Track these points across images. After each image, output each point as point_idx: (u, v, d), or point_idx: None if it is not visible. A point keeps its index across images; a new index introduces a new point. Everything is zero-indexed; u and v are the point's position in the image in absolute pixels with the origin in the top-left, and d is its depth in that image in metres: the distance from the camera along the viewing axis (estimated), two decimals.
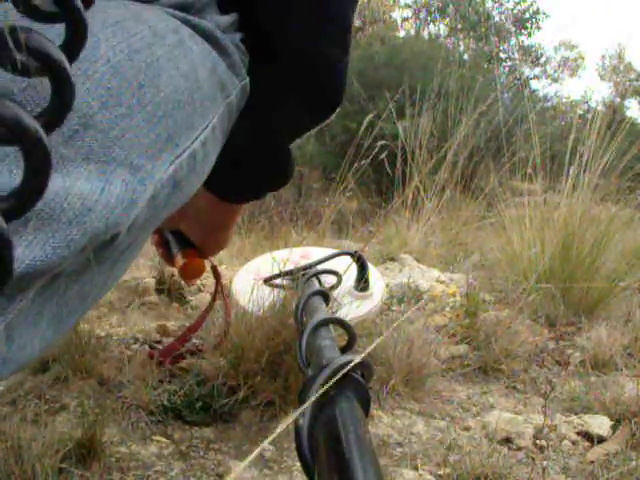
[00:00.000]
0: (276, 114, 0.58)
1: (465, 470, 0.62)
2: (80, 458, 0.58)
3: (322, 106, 0.61)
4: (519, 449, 0.72)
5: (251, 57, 0.53)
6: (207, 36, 0.46)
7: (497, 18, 10.09)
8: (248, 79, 0.53)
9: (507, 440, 0.74)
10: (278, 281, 0.87)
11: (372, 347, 0.31)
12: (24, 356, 0.31)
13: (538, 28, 10.29)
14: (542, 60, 11.03)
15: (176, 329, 0.96)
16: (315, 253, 0.96)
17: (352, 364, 0.33)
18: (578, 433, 0.77)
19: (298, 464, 0.62)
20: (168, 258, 0.78)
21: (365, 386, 0.34)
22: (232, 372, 0.70)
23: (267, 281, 0.88)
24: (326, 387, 0.31)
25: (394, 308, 1.18)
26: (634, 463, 0.65)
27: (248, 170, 0.62)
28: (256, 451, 0.15)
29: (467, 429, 0.77)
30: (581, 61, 11.99)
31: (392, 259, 1.71)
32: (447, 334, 1.03)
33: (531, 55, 10.50)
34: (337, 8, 0.55)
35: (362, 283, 0.89)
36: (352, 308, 0.83)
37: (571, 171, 1.61)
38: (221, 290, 0.85)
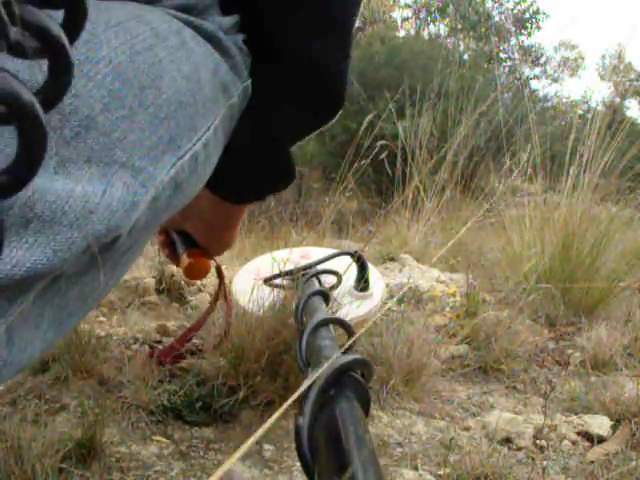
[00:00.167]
0: (277, 115, 0.58)
1: (465, 470, 0.62)
2: (80, 458, 0.58)
3: (323, 108, 0.61)
4: (519, 449, 0.72)
5: (253, 58, 0.53)
6: (209, 37, 0.46)
7: (497, 18, 10.09)
8: (250, 80, 0.53)
9: (507, 440, 0.74)
10: (278, 281, 0.87)
11: (359, 335, 0.31)
12: (25, 358, 0.31)
13: (538, 28, 10.29)
14: (542, 60, 11.04)
15: (176, 329, 0.96)
16: (315, 253, 0.96)
17: (351, 364, 0.33)
18: (578, 433, 0.77)
19: (298, 464, 0.62)
20: (174, 258, 0.79)
21: (365, 386, 0.34)
22: (232, 372, 0.70)
23: (267, 281, 0.88)
24: (320, 383, 0.31)
25: (394, 308, 1.17)
26: (634, 463, 0.65)
27: (249, 171, 0.62)
28: (250, 441, 0.15)
29: (467, 429, 0.77)
30: (581, 61, 12.00)
31: (392, 259, 1.71)
32: (447, 334, 1.03)
33: (531, 55, 10.49)
34: (338, 12, 0.55)
35: (362, 283, 0.89)
36: (352, 308, 0.83)
37: (571, 171, 1.61)
38: (223, 290, 0.85)
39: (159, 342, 0.90)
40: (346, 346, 0.40)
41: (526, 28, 10.31)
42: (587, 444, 0.75)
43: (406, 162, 2.69)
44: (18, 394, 0.70)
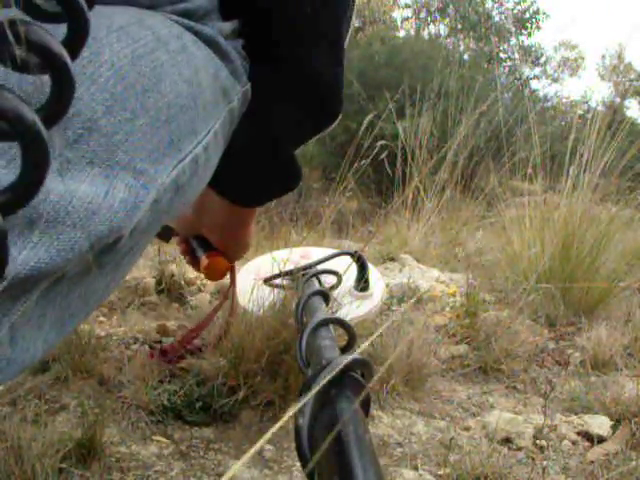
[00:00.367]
0: (277, 117, 0.59)
1: (465, 470, 0.62)
2: (80, 458, 0.58)
3: (319, 114, 0.62)
4: (519, 449, 0.72)
5: (251, 62, 0.54)
6: (209, 42, 0.46)
7: (497, 18, 10.09)
8: (249, 85, 0.53)
9: (507, 440, 0.74)
10: (278, 281, 0.87)
11: (367, 343, 0.31)
12: (27, 358, 0.31)
13: (538, 28, 10.29)
14: (542, 60, 11.03)
15: (176, 329, 0.96)
16: (315, 253, 0.96)
17: (349, 364, 0.33)
18: (578, 433, 0.77)
19: (298, 464, 0.62)
20: (195, 264, 0.81)
21: (365, 386, 0.34)
22: (232, 372, 0.70)
23: (267, 281, 0.88)
24: (322, 384, 0.31)
25: (394, 308, 1.18)
26: (634, 463, 0.65)
27: (254, 174, 0.64)
28: (253, 449, 0.15)
29: (467, 429, 0.77)
30: (581, 61, 11.99)
31: (392, 259, 1.71)
32: (447, 334, 1.03)
33: (531, 55, 10.49)
34: (328, 26, 0.56)
35: (362, 283, 0.89)
36: (352, 308, 0.83)
37: (571, 171, 1.61)
38: (233, 290, 0.85)
39: (159, 342, 0.90)
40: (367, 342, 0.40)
41: (526, 28, 10.31)
42: (587, 444, 0.75)
43: (406, 162, 2.69)
44: (18, 394, 0.70)
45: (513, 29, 10.18)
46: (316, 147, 5.11)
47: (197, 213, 0.72)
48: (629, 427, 0.77)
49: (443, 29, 9.99)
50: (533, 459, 0.69)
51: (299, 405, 0.20)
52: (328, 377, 0.31)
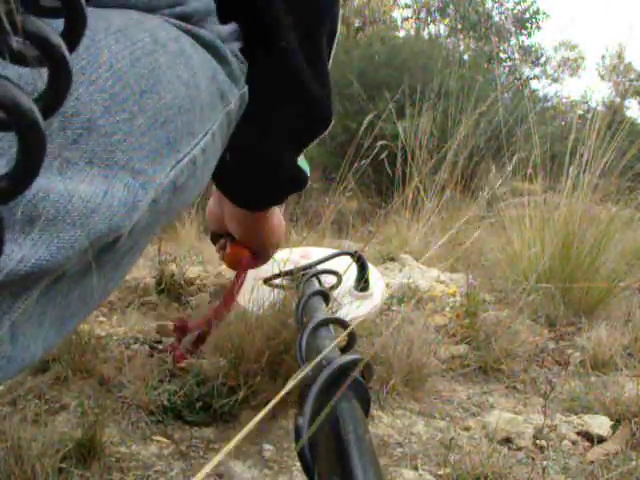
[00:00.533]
0: (276, 118, 0.59)
1: (465, 470, 0.62)
2: (80, 458, 0.58)
3: (311, 120, 0.63)
4: (519, 449, 0.72)
5: (248, 65, 0.54)
6: (207, 45, 0.47)
7: (497, 18, 10.09)
8: (247, 88, 0.53)
9: (507, 440, 0.74)
10: (278, 281, 0.87)
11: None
12: (27, 356, 0.31)
13: (538, 28, 10.29)
14: (542, 60, 11.03)
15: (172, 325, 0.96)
16: (315, 253, 0.96)
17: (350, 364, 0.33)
18: (578, 433, 0.77)
19: (298, 464, 0.62)
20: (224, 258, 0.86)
21: (365, 386, 0.34)
22: (232, 372, 0.70)
23: (267, 281, 0.88)
24: (321, 385, 0.31)
25: (394, 308, 1.17)
26: (634, 463, 0.65)
27: (259, 179, 0.66)
28: (236, 437, 0.15)
29: (467, 429, 0.77)
30: (581, 61, 11.99)
31: (392, 259, 1.70)
32: (447, 334, 1.03)
33: (531, 55, 10.49)
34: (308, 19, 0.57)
35: (362, 283, 0.89)
36: (352, 308, 0.83)
37: (571, 171, 1.61)
38: (241, 283, 0.86)
39: (159, 342, 0.90)
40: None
41: (526, 28, 10.32)
42: (587, 444, 0.75)
43: (406, 162, 2.70)
44: (18, 394, 0.70)
45: (513, 29, 10.18)
46: (316, 147, 5.11)
47: (221, 210, 0.76)
48: (629, 427, 0.77)
49: (443, 29, 10.00)
50: (533, 459, 0.69)
51: (282, 392, 0.20)
52: (328, 377, 0.31)
